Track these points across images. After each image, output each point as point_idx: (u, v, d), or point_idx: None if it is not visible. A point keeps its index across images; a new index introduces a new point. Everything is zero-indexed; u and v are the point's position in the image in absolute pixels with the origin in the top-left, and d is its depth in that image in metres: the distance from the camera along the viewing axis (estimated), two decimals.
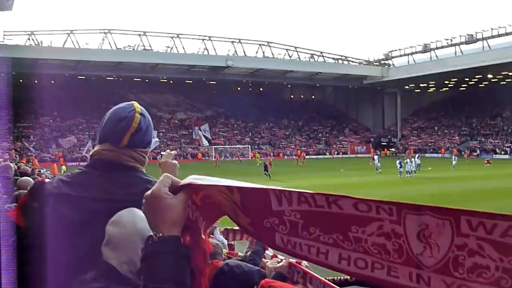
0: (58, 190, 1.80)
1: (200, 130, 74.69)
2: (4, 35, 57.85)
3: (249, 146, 75.59)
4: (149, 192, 1.11)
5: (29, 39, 61.45)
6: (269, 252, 4.46)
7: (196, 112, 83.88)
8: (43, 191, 1.85)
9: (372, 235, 0.92)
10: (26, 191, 3.61)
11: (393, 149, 75.75)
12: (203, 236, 1.21)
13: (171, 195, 1.10)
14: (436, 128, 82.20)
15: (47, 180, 2.22)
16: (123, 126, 1.83)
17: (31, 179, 4.13)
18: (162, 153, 2.33)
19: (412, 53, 75.99)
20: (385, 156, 65.90)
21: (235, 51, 71.55)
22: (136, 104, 1.91)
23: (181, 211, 1.09)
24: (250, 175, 39.43)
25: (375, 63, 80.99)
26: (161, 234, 1.08)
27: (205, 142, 72.83)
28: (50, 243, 1.67)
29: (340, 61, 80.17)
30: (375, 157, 43.37)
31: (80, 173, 1.88)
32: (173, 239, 1.07)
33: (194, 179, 1.10)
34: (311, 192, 0.94)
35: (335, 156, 73.70)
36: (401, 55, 78.54)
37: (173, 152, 2.62)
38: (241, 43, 72.24)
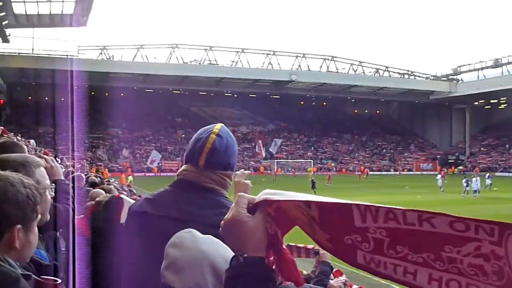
0: (140, 208, 1.87)
1: (260, 143, 74.93)
2: (78, 49, 60.75)
3: (311, 160, 75.13)
4: (228, 216, 1.08)
5: (101, 53, 64.13)
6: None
7: (259, 125, 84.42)
8: (118, 205, 1.96)
9: (469, 255, 0.86)
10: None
11: (460, 167, 73.14)
12: (284, 247, 1.15)
13: (251, 217, 1.07)
14: (507, 146, 78.74)
15: (122, 195, 2.35)
16: (199, 146, 1.88)
17: (102, 191, 4.32)
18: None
19: (482, 68, 73.52)
20: (452, 174, 63.82)
21: (299, 65, 71.73)
22: (218, 125, 1.94)
23: (263, 231, 1.06)
24: (305, 190, 39.27)
25: (442, 78, 78.87)
26: (246, 255, 1.05)
27: (264, 155, 72.92)
28: (121, 258, 1.76)
29: (406, 76, 78.66)
30: (438, 175, 41.60)
31: (163, 192, 1.94)
32: (259, 260, 1.04)
33: (269, 194, 1.07)
34: (402, 208, 0.89)
35: (401, 173, 71.75)
36: (470, 70, 76.16)
37: (247, 172, 2.58)
38: (305, 57, 72.31)
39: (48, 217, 2.01)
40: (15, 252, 1.44)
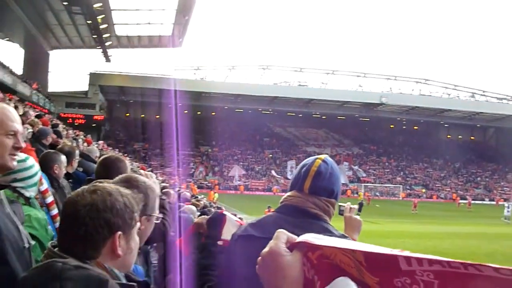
0: (245, 232, 1.96)
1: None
2: (174, 69, 63.49)
3: (401, 185, 72.98)
4: (266, 249, 1.06)
5: (194, 73, 66.47)
6: None
7: (344, 148, 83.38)
8: (220, 222, 2.08)
9: None
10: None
11: None
12: None
13: (289, 252, 1.03)
14: None
15: (225, 212, 2.49)
16: (304, 171, 1.95)
17: (194, 207, 4.52)
18: (340, 204, 2.37)
19: None
20: None
21: (390, 88, 70.36)
22: (324, 155, 2.05)
23: (301, 271, 1.03)
24: (399, 216, 38.17)
25: None
26: None
27: (344, 180, 71.71)
28: (228, 278, 1.85)
29: (504, 101, 74.70)
30: (506, 204, 38.38)
31: (267, 217, 2.03)
32: None
33: (311, 237, 1.05)
34: (446, 259, 0.87)
35: (499, 203, 67.40)
36: None
37: (355, 206, 2.58)
38: (396, 80, 70.89)
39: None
40: (118, 260, 1.56)
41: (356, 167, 74.66)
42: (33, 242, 2.07)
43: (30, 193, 2.82)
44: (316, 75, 69.99)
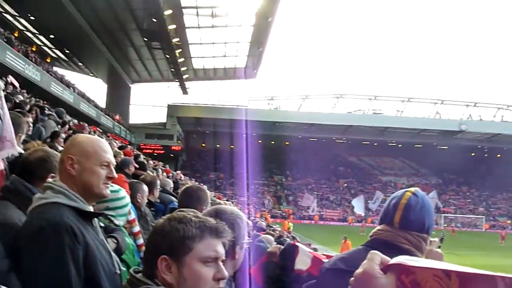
0: (334, 265, 1.96)
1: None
2: (248, 100, 64.50)
3: (484, 216, 69.56)
4: (360, 270, 1.05)
5: (268, 103, 67.16)
6: None
7: (421, 177, 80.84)
8: (293, 253, 2.11)
9: None
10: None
11: None
12: None
13: (383, 274, 1.02)
14: None
15: (298, 243, 2.51)
16: (394, 204, 1.92)
17: (270, 237, 4.56)
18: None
19: None
20: None
21: (470, 115, 67.85)
22: (415, 188, 1.98)
23: None
24: (484, 249, 36.34)
25: None
26: None
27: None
28: None
29: None
30: None
31: (356, 250, 2.02)
32: None
33: (405, 259, 1.02)
34: None
35: None
36: None
37: (435, 239, 2.46)
38: (476, 106, 68.29)
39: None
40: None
41: (435, 197, 72.07)
42: (124, 269, 2.19)
43: (120, 221, 2.99)
44: (391, 103, 68.79)
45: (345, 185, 75.66)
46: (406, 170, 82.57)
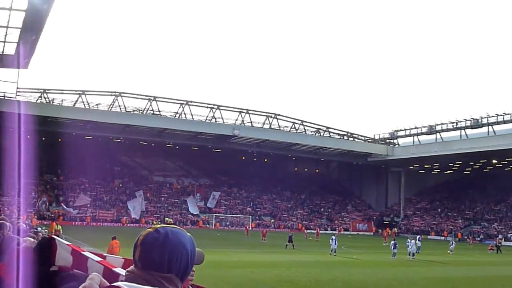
0: None
1: (194, 198, 74.64)
2: (17, 91, 58.93)
3: (250, 216, 74.87)
4: (80, 286, 1.02)
5: (41, 97, 62.44)
6: None
7: (192, 178, 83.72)
8: (50, 248, 1.81)
9: None
10: None
11: (395, 229, 74.23)
12: None
13: None
14: (439, 210, 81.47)
15: (54, 236, 2.21)
16: (135, 242, 1.66)
17: (31, 239, 4.04)
18: None
19: (417, 134, 76.53)
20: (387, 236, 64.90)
21: (242, 121, 72.13)
22: (161, 225, 1.70)
23: None
24: (247, 246, 38.96)
25: (380, 141, 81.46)
26: None
27: (194, 211, 72.18)
28: None
29: (345, 137, 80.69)
30: (392, 242, 36.45)
31: None
32: None
33: (125, 285, 1.03)
34: None
35: (341, 233, 70.79)
36: (406, 135, 79.19)
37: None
38: (248, 113, 72.84)
39: None
40: None
41: (211, 198, 75.24)
42: None
43: None
44: (170, 104, 69.58)
45: (120, 185, 74.38)
46: (177, 172, 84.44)
